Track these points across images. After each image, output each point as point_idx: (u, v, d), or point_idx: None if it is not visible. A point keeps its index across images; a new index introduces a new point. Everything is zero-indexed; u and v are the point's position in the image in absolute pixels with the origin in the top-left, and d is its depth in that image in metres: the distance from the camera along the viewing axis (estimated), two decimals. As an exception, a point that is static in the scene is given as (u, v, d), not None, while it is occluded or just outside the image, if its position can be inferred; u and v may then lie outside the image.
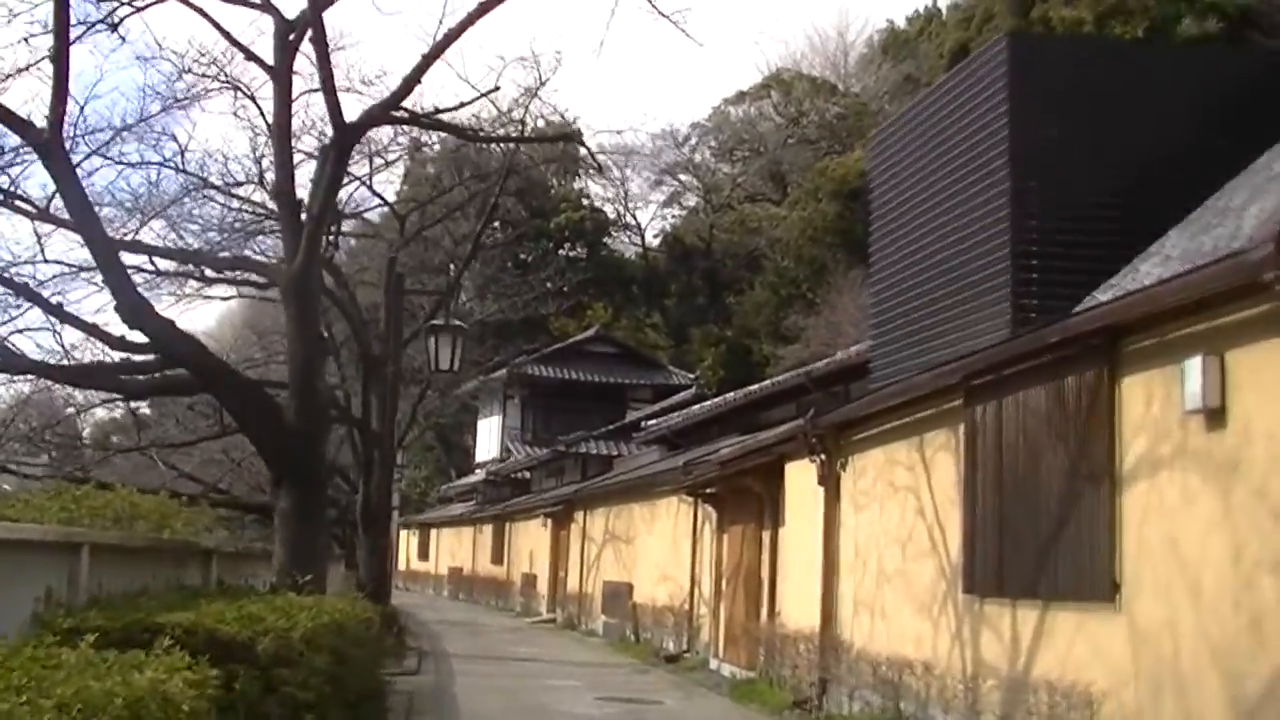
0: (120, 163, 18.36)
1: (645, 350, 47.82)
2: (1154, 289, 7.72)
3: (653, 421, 30.05)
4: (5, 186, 14.13)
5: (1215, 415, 7.04)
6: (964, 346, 11.14)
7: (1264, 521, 6.61)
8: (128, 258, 16.89)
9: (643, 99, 49.75)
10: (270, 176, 16.90)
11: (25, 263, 16.69)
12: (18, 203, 13.77)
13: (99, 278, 13.32)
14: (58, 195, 12.03)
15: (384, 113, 13.86)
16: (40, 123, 10.31)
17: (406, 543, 51.03)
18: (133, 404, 24.59)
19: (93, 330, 13.21)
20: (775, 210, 48.71)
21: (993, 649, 9.50)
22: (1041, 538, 8.87)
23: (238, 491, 26.03)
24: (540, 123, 18.37)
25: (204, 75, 17.18)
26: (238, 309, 38.53)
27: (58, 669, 4.19)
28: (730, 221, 52.44)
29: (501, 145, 22.23)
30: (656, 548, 22.28)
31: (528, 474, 40.00)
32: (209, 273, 20.73)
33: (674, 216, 59.00)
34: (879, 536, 11.97)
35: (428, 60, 12.49)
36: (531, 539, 33.98)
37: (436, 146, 25.47)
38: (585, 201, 55.27)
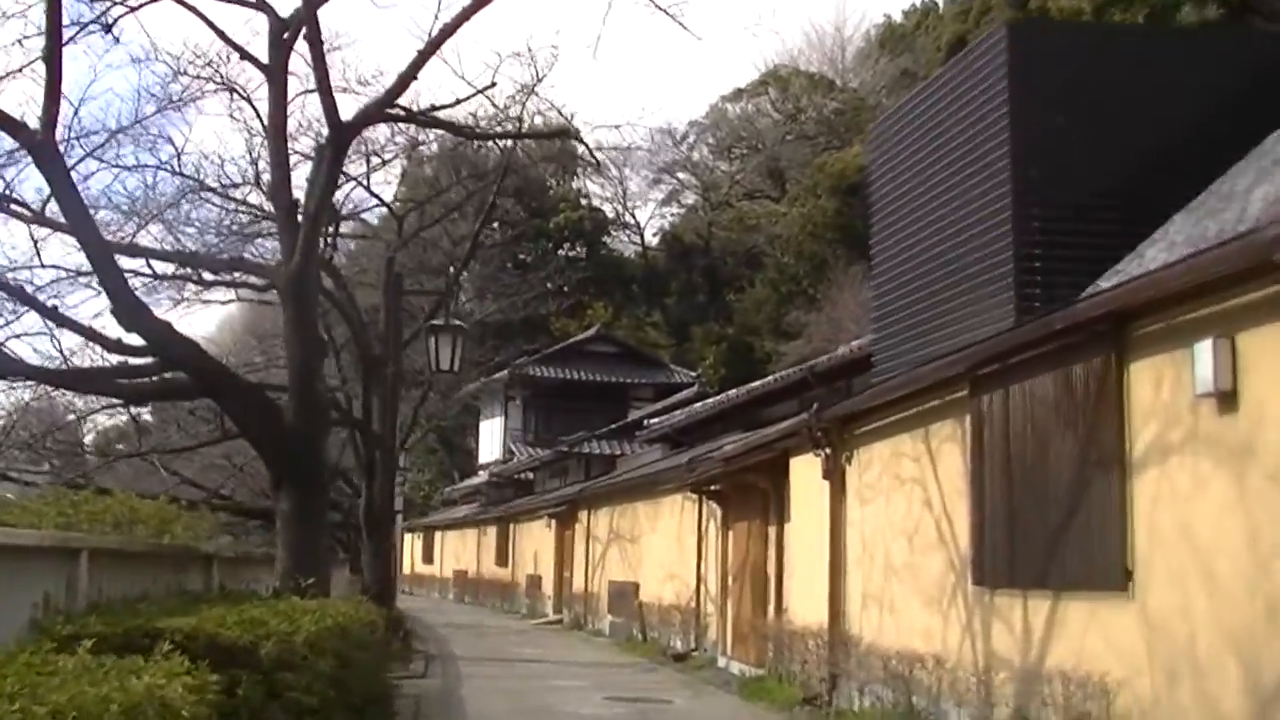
0: (117, 166, 18.34)
1: (646, 349, 47.75)
2: (1161, 272, 7.62)
3: (655, 420, 29.98)
4: (0, 190, 14.05)
5: (1227, 398, 6.94)
6: (967, 338, 11.05)
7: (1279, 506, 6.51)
8: (125, 261, 16.84)
9: (640, 98, 49.74)
10: (267, 178, 16.79)
11: (22, 267, 16.59)
12: (13, 206, 13.68)
13: (96, 281, 13.23)
14: (53, 199, 11.93)
15: (380, 110, 13.77)
16: (34, 124, 10.22)
17: (411, 546, 50.96)
18: (134, 410, 24.49)
19: (89, 334, 13.14)
20: (774, 207, 48.65)
21: (1004, 641, 9.40)
22: (1051, 527, 8.77)
23: (240, 497, 25.96)
24: (538, 120, 18.27)
25: (199, 77, 17.10)
26: (238, 313, 38.48)
27: (53, 675, 4.11)
28: (729, 219, 52.39)
29: (499, 143, 22.13)
30: (662, 546, 22.19)
31: (531, 475, 39.92)
32: (207, 276, 20.64)
33: (673, 215, 59.03)
34: (886, 530, 11.87)
35: (423, 56, 12.41)
36: (536, 540, 33.89)
37: (434, 146, 25.37)
38: (584, 201, 55.24)
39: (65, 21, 11.36)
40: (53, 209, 13.14)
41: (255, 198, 20.75)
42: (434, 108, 14.68)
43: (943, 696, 10.24)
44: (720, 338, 46.12)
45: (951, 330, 12.15)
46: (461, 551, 44.87)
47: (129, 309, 11.07)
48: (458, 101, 14.73)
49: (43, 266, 16.96)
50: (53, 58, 10.12)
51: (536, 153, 26.67)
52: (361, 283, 26.49)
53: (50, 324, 15.23)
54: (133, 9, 12.78)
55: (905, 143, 14.06)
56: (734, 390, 25.15)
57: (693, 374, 42.32)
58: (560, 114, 17.95)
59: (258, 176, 19.77)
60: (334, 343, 23.26)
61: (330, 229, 21.80)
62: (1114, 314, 7.97)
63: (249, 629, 6.64)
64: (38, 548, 7.01)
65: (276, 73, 12.81)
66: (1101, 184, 11.57)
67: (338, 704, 8.07)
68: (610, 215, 57.57)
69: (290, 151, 14.76)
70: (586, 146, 18.69)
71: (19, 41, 11.82)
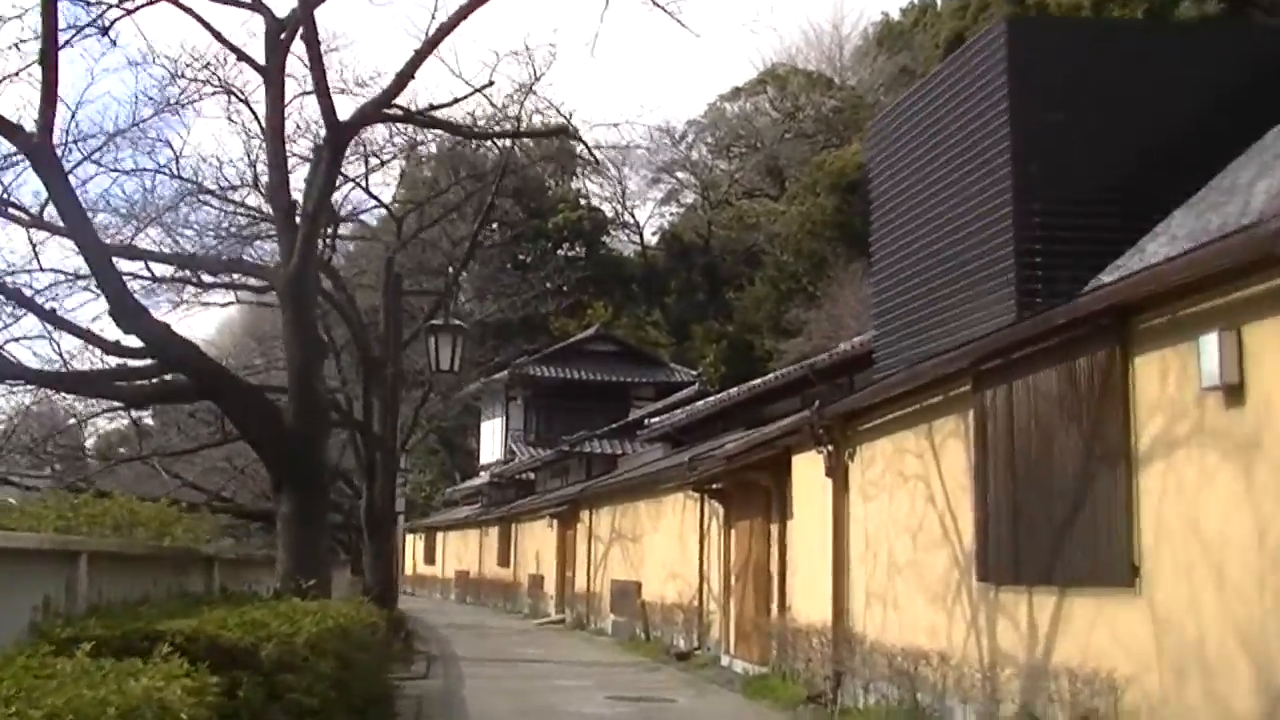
0: (115, 170, 18.25)
1: (646, 348, 47.71)
2: (1166, 265, 7.57)
3: (656, 419, 29.93)
4: (-1, 194, 14.00)
5: (1233, 391, 6.89)
6: (968, 334, 11.01)
7: (1288, 499, 6.47)
8: (124, 265, 16.81)
9: (638, 98, 49.70)
10: (265, 180, 16.74)
11: (21, 271, 16.53)
12: (11, 210, 13.64)
13: (95, 284, 13.18)
14: (51, 203, 11.88)
15: (377, 110, 13.73)
16: (31, 128, 10.17)
17: (412, 547, 50.95)
18: (135, 413, 24.48)
19: (87, 336, 13.10)
20: (773, 205, 48.61)
21: (1010, 637, 9.35)
22: (1056, 522, 8.72)
23: (242, 499, 25.93)
24: (536, 119, 18.21)
25: (196, 80, 17.04)
26: (238, 316, 38.48)
27: (51, 678, 4.06)
28: (728, 218, 52.35)
29: (497, 143, 22.11)
30: (664, 545, 22.15)
31: (532, 475, 39.88)
32: (206, 278, 20.60)
33: (672, 214, 58.99)
34: (889, 526, 11.82)
35: (420, 55, 12.37)
36: (538, 540, 33.85)
37: (432, 147, 25.32)
38: (583, 201, 55.22)
39: (61, 25, 11.33)
40: (51, 213, 13.11)
41: (254, 200, 20.74)
42: (432, 107, 14.63)
43: (948, 694, 10.19)
44: (720, 336, 46.08)
45: (952, 326, 12.11)
46: (463, 552, 44.83)
47: (127, 311, 11.03)
48: (455, 101, 14.70)
49: (42, 270, 16.88)
50: (48, 60, 10.09)
51: (535, 152, 26.62)
52: (361, 284, 26.47)
53: (49, 327, 15.20)
54: (129, 11, 12.76)
55: (905, 139, 14.01)
56: (735, 388, 25.10)
57: (693, 373, 42.28)
58: (559, 112, 17.88)
59: (256, 179, 19.75)
60: (334, 344, 23.23)
61: (329, 230, 21.78)
62: (1118, 307, 7.92)
63: (250, 631, 6.60)
64: (37, 550, 6.95)
65: (274, 74, 12.77)
66: (1101, 179, 11.53)
67: (339, 705, 8.03)
68: (609, 215, 57.56)
69: (288, 153, 14.73)
70: (585, 145, 18.62)
71: (16, 46, 11.77)
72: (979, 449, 9.93)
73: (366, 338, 21.70)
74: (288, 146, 14.67)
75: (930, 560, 10.88)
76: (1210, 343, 6.94)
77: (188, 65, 16.92)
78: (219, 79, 17.17)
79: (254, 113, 17.70)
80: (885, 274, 14.30)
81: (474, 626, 28.50)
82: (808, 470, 14.10)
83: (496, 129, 18.47)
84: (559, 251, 50.96)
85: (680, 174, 57.46)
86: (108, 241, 15.47)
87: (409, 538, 48.03)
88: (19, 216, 13.75)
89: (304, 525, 12.11)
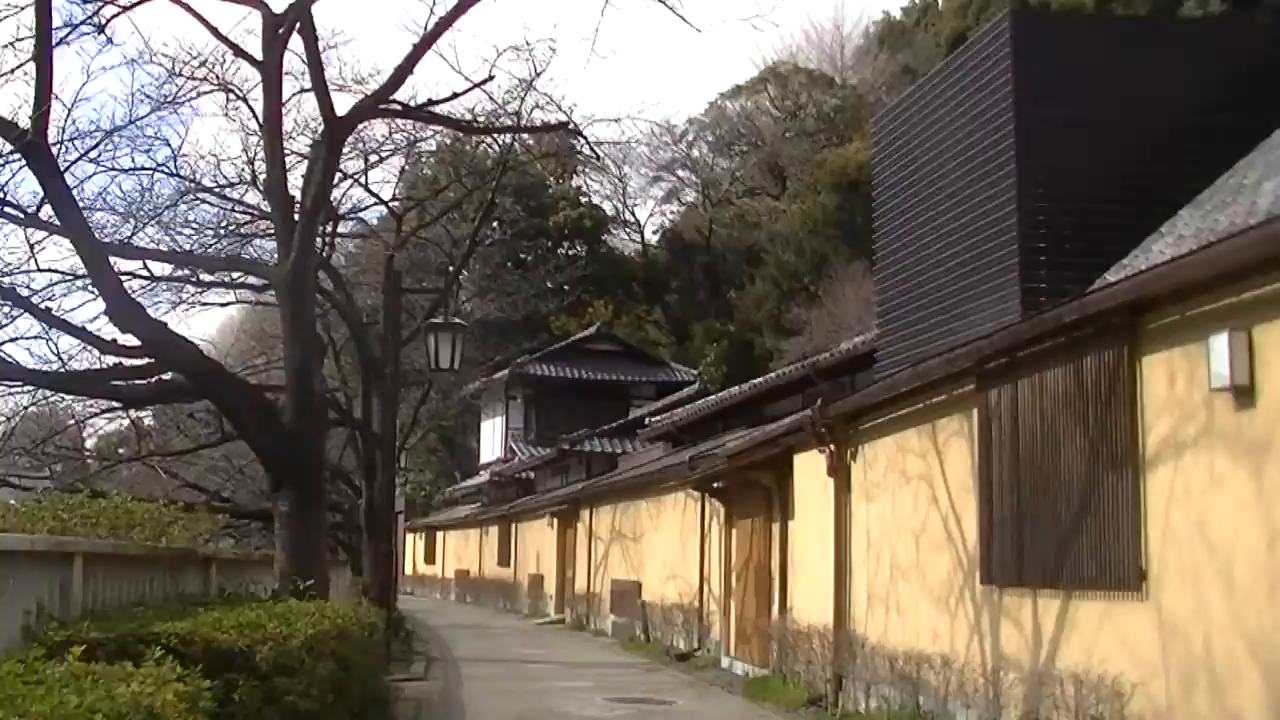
0: (113, 168, 18.10)
1: (647, 347, 47.63)
2: (1176, 263, 7.47)
3: (657, 418, 29.86)
4: (-6, 193, 13.86)
5: (1243, 393, 6.78)
6: (971, 332, 10.92)
7: (1299, 502, 6.37)
8: (123, 264, 16.70)
9: (639, 96, 49.55)
10: (264, 177, 16.64)
11: (18, 271, 16.41)
12: (7, 209, 13.51)
13: (92, 284, 13.09)
14: (47, 201, 11.77)
15: (375, 105, 13.62)
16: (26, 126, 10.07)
17: (412, 546, 50.87)
18: (134, 414, 24.36)
19: (83, 335, 12.99)
20: (774, 204, 48.53)
21: (1014, 641, 9.25)
22: (1062, 525, 8.61)
23: (242, 499, 25.81)
24: (537, 115, 18.08)
25: (193, 77, 16.91)
26: (239, 316, 38.38)
27: (39, 684, 3.97)
28: (729, 216, 52.26)
29: (497, 140, 22.00)
30: (664, 545, 22.06)
31: (532, 474, 39.81)
32: (205, 276, 20.50)
33: (673, 212, 58.89)
34: (892, 527, 11.73)
35: (419, 49, 12.26)
36: (538, 539, 33.77)
37: (432, 145, 25.21)
38: (584, 199, 55.12)
39: (57, 22, 11.23)
40: (47, 211, 12.99)
41: (252, 197, 20.63)
42: (431, 102, 14.51)
43: (950, 698, 10.10)
44: (721, 335, 45.99)
45: (955, 325, 12.03)
46: (463, 551, 44.76)
47: (123, 310, 10.93)
48: (454, 96, 14.54)
49: (40, 270, 16.75)
50: (43, 57, 9.98)
51: (536, 150, 26.53)
52: (361, 283, 26.40)
53: (44, 325, 15.10)
54: (125, 8, 12.62)
55: (908, 136, 13.93)
56: (736, 387, 25.02)
57: (694, 372, 42.20)
58: (560, 108, 17.75)
59: (254, 176, 19.64)
60: (334, 344, 23.16)
61: (329, 229, 21.69)
62: (1127, 306, 7.81)
63: (245, 633, 6.52)
64: (30, 552, 6.85)
65: (271, 70, 12.66)
66: (1106, 177, 11.45)
67: (336, 708, 7.95)
68: (610, 213, 57.46)
69: (287, 150, 14.64)
70: (586, 140, 18.47)
71: (11, 44, 11.63)
72: (983, 449, 9.83)
73: (366, 336, 21.62)
74: (286, 143, 14.58)
75: (933, 562, 10.78)
76: (1220, 343, 6.84)
77: (185, 63, 16.80)
78: (217, 76, 17.05)
79: (252, 110, 17.61)
80: (888, 272, 14.21)
81: (474, 626, 28.43)
82: (809, 470, 14.00)
83: (497, 125, 18.36)
84: (559, 250, 50.85)
85: (681, 172, 57.41)
86: (106, 240, 15.37)
87: (409, 537, 47.95)
88: (15, 215, 13.63)
89: (302, 525, 12.01)
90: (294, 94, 16.85)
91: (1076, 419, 8.49)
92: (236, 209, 21.08)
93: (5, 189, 13.97)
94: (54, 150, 12.20)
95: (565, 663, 19.49)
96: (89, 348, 14.61)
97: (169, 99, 17.01)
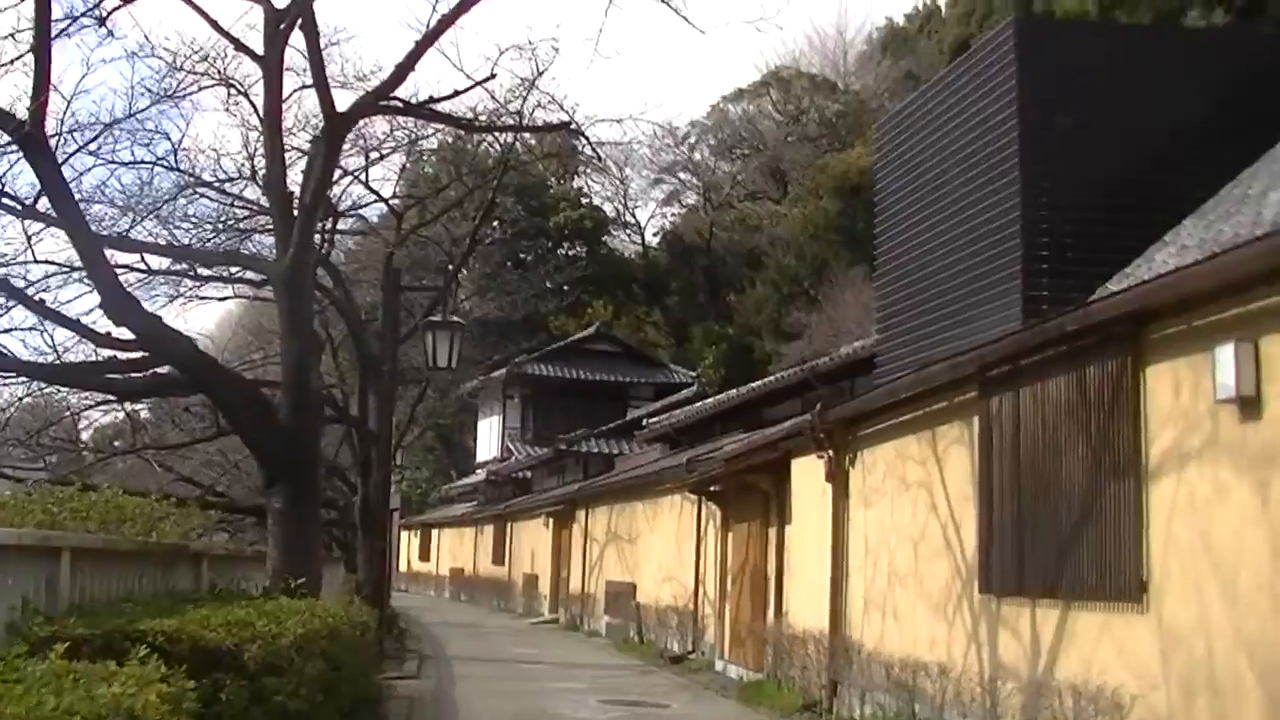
0: (112, 161, 18.02)
1: (646, 349, 47.54)
2: (1182, 273, 7.39)
3: (655, 419, 29.77)
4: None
5: (1249, 405, 6.70)
6: (973, 339, 10.84)
7: (1304, 516, 6.29)
8: (121, 257, 16.64)
9: (641, 98, 49.37)
10: (263, 173, 16.55)
11: (15, 263, 16.32)
12: (3, 200, 13.42)
13: (87, 276, 12.99)
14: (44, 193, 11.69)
15: (376, 102, 13.53)
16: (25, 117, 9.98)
17: (407, 544, 50.74)
18: (130, 406, 24.27)
19: (77, 327, 12.92)
20: (775, 208, 48.47)
21: (1012, 651, 9.17)
22: (1062, 535, 8.53)
23: (236, 494, 25.72)
24: (539, 114, 18.01)
25: (194, 72, 16.83)
26: (237, 311, 38.23)
27: (18, 683, 3.88)
28: (730, 219, 52.20)
29: (499, 139, 21.92)
30: (660, 547, 21.97)
31: (529, 474, 39.73)
32: (203, 271, 20.42)
33: (674, 215, 58.82)
34: (890, 534, 11.64)
35: (421, 46, 12.17)
36: (533, 539, 33.68)
37: (433, 143, 25.13)
38: (584, 200, 55.07)
39: (57, 14, 11.16)
40: (44, 203, 12.91)
41: (251, 193, 20.55)
42: (432, 100, 14.42)
43: (947, 706, 10.01)
44: (720, 338, 45.94)
45: (955, 331, 11.95)
46: (458, 549, 44.68)
47: (118, 303, 10.85)
48: (456, 93, 14.45)
49: (36, 262, 16.68)
50: (42, 49, 9.91)
51: (537, 150, 26.46)
52: (360, 280, 26.31)
53: (39, 316, 15.01)
54: (126, 1, 12.53)
55: (911, 142, 13.86)
56: (735, 390, 24.93)
57: (692, 374, 42.13)
58: (562, 108, 17.66)
59: (254, 171, 19.55)
60: (331, 340, 23.07)
61: (328, 225, 21.61)
62: (1131, 315, 7.74)
63: (234, 631, 6.43)
64: (17, 546, 6.75)
65: (272, 65, 12.57)
66: (1109, 185, 11.38)
67: (326, 708, 7.86)
68: (611, 214, 57.40)
69: (287, 146, 14.56)
70: (588, 141, 18.40)
71: (11, 35, 11.55)
72: (984, 457, 9.75)
73: (364, 334, 21.54)
74: (286, 139, 14.51)
75: (931, 569, 10.69)
76: (1226, 354, 6.76)
77: (186, 57, 16.72)
78: (218, 70, 16.98)
79: (253, 105, 17.53)
80: (889, 277, 14.13)
81: (467, 625, 28.34)
82: (807, 474, 13.92)
83: (498, 124, 18.28)
84: (559, 250, 50.78)
85: (682, 175, 57.34)
86: (104, 233, 15.28)
87: (404, 534, 47.83)
88: (12, 206, 13.53)
89: (296, 521, 11.92)
90: (295, 90, 16.78)
91: (1079, 428, 8.41)
92: (236, 204, 21.01)
93: (3, 180, 13.89)
94: (53, 142, 12.13)
95: (559, 663, 19.41)
96: (84, 340, 14.53)
97: (169, 93, 16.94)
